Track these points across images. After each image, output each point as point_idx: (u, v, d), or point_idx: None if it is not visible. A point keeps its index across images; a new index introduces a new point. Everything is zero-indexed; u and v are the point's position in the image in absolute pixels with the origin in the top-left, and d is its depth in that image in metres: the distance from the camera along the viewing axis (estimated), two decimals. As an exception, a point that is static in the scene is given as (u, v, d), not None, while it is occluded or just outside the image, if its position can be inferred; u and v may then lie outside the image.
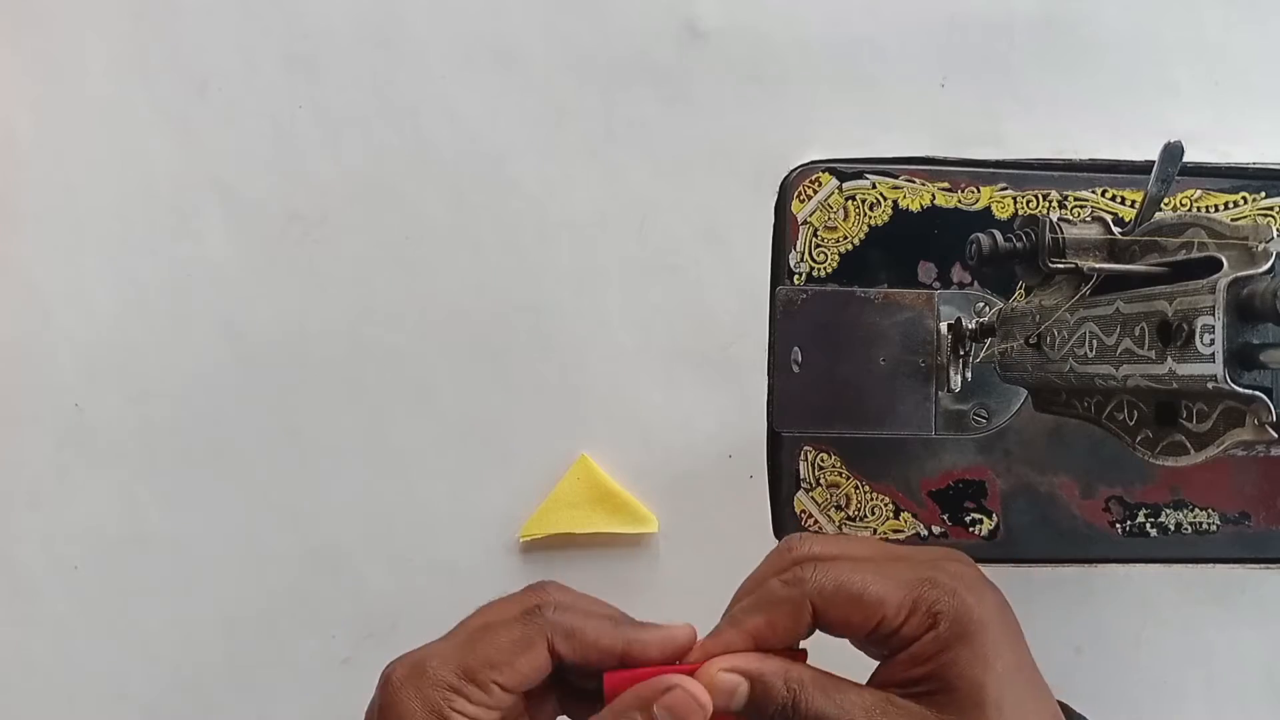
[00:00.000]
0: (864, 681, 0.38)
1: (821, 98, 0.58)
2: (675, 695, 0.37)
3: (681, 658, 0.39)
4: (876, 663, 0.38)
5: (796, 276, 0.57)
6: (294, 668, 0.56)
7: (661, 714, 0.37)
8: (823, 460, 0.57)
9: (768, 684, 0.37)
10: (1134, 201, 0.58)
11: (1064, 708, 0.40)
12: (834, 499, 0.57)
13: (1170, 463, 0.40)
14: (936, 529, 0.57)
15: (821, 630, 0.38)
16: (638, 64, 0.57)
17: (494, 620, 0.37)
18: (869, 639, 0.38)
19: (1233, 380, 0.35)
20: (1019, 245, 0.45)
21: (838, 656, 0.38)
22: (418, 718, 0.35)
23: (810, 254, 0.57)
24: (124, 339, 0.56)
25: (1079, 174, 0.58)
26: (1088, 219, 0.45)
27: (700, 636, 0.39)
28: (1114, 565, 0.58)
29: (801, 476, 0.57)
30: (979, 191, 0.57)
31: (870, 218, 0.57)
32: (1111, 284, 0.42)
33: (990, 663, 0.36)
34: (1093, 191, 0.58)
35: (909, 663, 0.37)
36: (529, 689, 0.37)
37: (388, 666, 0.37)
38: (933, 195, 0.57)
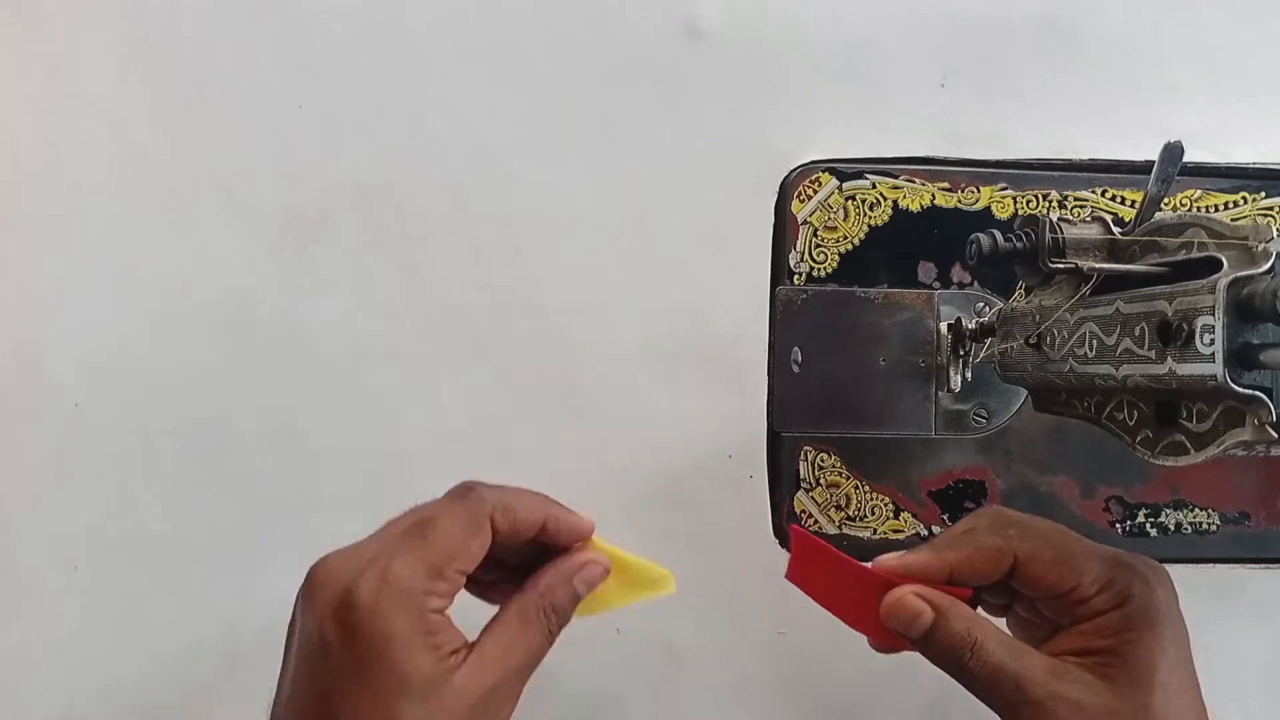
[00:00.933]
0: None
1: (821, 98, 0.58)
2: (589, 569, 0.40)
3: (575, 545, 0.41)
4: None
5: (796, 276, 0.57)
6: (294, 668, 0.56)
7: (580, 586, 0.40)
8: (823, 460, 0.57)
9: (950, 621, 0.39)
10: (1134, 201, 0.58)
11: None
12: (834, 499, 0.57)
13: (1170, 463, 0.40)
14: (936, 529, 0.57)
15: (1013, 583, 0.41)
16: (638, 64, 0.57)
17: (433, 514, 0.38)
18: (1055, 601, 0.40)
19: (1233, 380, 0.35)
20: (1019, 245, 0.45)
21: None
22: (404, 628, 0.35)
23: (810, 254, 0.57)
24: (124, 339, 0.56)
25: (1079, 174, 0.58)
26: (1088, 219, 0.45)
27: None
28: (1114, 565, 0.58)
29: (801, 476, 0.57)
30: (979, 191, 0.57)
31: (870, 218, 0.57)
32: (1111, 284, 0.42)
33: (1166, 649, 0.39)
34: (1093, 191, 0.58)
35: (1093, 633, 0.39)
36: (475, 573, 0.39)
37: (323, 588, 0.36)
38: (933, 195, 0.57)
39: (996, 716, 0.39)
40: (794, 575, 0.42)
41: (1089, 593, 0.39)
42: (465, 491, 0.38)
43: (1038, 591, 0.40)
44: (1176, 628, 0.40)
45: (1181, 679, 0.39)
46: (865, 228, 0.57)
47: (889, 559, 0.41)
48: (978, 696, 0.39)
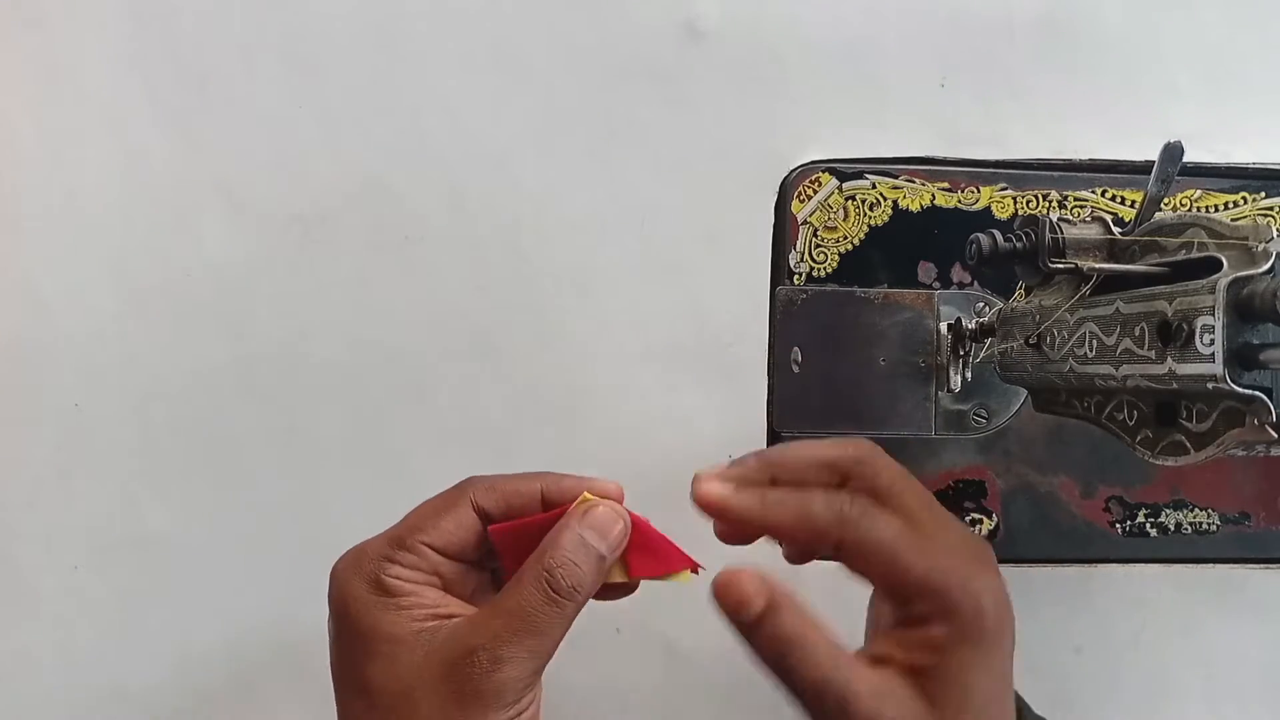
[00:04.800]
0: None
1: (821, 98, 0.58)
2: (596, 511, 0.39)
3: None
4: None
5: (796, 276, 0.57)
6: (294, 668, 0.56)
7: (587, 533, 0.39)
8: (823, 460, 0.57)
9: (781, 618, 0.37)
10: (1134, 201, 0.58)
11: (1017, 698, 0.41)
12: (834, 499, 0.57)
13: (1170, 463, 0.40)
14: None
15: (837, 559, 0.38)
16: (638, 64, 0.57)
17: (422, 502, 0.41)
18: (880, 591, 0.39)
19: (1233, 380, 0.35)
20: (1019, 245, 0.45)
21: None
22: (361, 591, 0.38)
23: (810, 254, 0.57)
24: (124, 339, 0.56)
25: (1079, 174, 0.58)
26: (1088, 219, 0.45)
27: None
28: (1114, 565, 0.58)
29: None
30: (979, 191, 0.57)
31: (870, 218, 0.57)
32: (1111, 284, 0.43)
33: (990, 670, 0.37)
34: (1093, 191, 0.58)
35: (918, 647, 0.37)
36: (464, 553, 0.40)
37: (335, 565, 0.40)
38: (933, 195, 0.57)
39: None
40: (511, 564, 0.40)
41: (914, 596, 0.37)
42: (459, 483, 0.41)
43: (862, 575, 0.38)
44: (1006, 650, 0.38)
45: (1001, 706, 0.38)
46: (865, 228, 0.57)
47: (710, 474, 0.40)
48: (793, 699, 0.37)
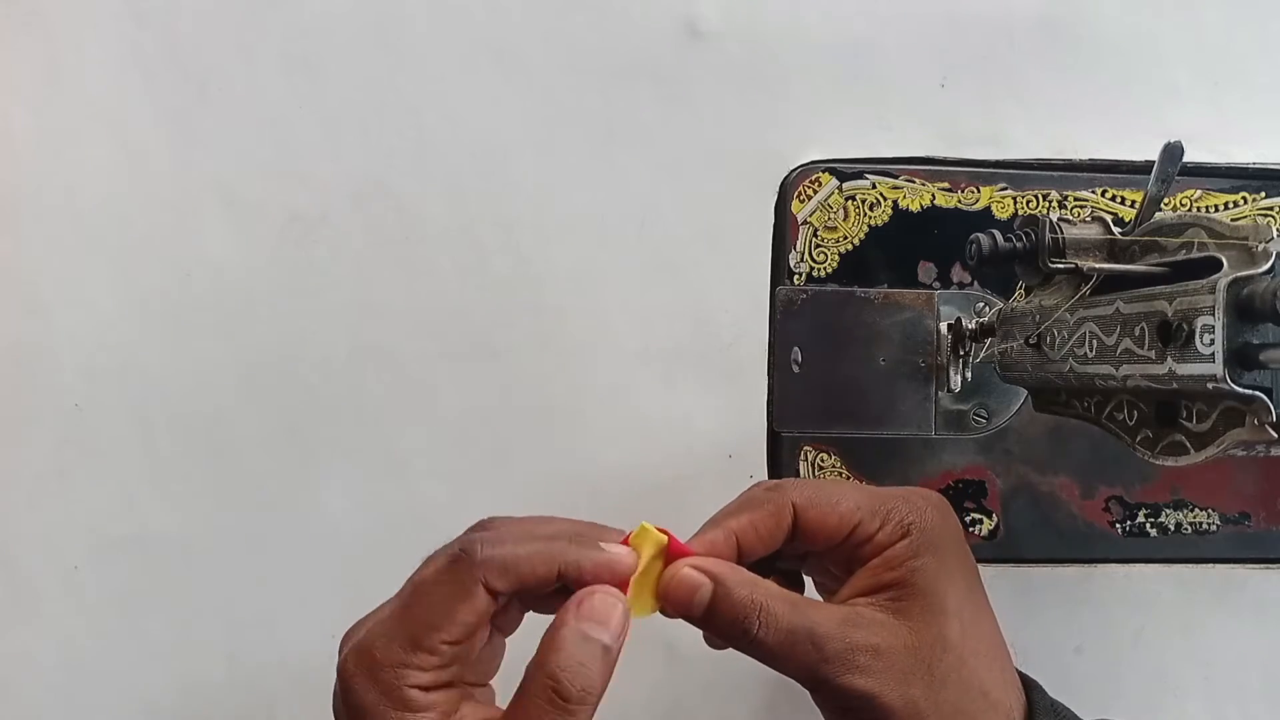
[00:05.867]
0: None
1: (821, 98, 0.58)
2: (593, 600, 0.36)
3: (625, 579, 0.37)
4: None
5: (796, 276, 0.57)
6: (294, 668, 0.56)
7: (586, 625, 0.36)
8: (823, 460, 0.57)
9: (731, 590, 0.37)
10: (1134, 201, 0.58)
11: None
12: (834, 499, 0.57)
13: (1170, 463, 0.40)
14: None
15: (801, 541, 0.39)
16: (638, 64, 0.57)
17: (425, 577, 0.36)
18: (842, 549, 0.39)
19: (1233, 380, 0.35)
20: (1019, 245, 0.45)
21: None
22: (378, 704, 0.35)
23: (810, 254, 0.57)
24: (124, 339, 0.56)
25: (1079, 174, 0.58)
26: (1088, 219, 0.45)
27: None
28: (1114, 565, 0.58)
29: (801, 476, 0.57)
30: (979, 191, 0.57)
31: (870, 218, 0.57)
32: (1111, 284, 0.43)
33: (953, 576, 0.38)
34: (1093, 191, 0.58)
35: (882, 567, 0.38)
36: (478, 638, 0.37)
37: (341, 654, 0.36)
38: (933, 195, 0.57)
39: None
40: None
41: (871, 529, 0.38)
42: (458, 555, 0.36)
43: (823, 541, 0.39)
44: (962, 556, 0.39)
45: (975, 608, 0.39)
46: (865, 228, 0.57)
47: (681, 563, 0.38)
48: (775, 668, 0.37)
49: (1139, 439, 0.42)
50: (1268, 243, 0.36)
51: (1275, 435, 0.35)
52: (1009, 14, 0.58)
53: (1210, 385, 0.36)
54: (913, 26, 0.58)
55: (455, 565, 0.36)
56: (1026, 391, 0.54)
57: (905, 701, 0.36)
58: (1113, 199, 0.58)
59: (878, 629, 0.37)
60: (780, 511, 0.39)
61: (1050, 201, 0.58)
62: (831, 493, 0.39)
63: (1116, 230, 0.45)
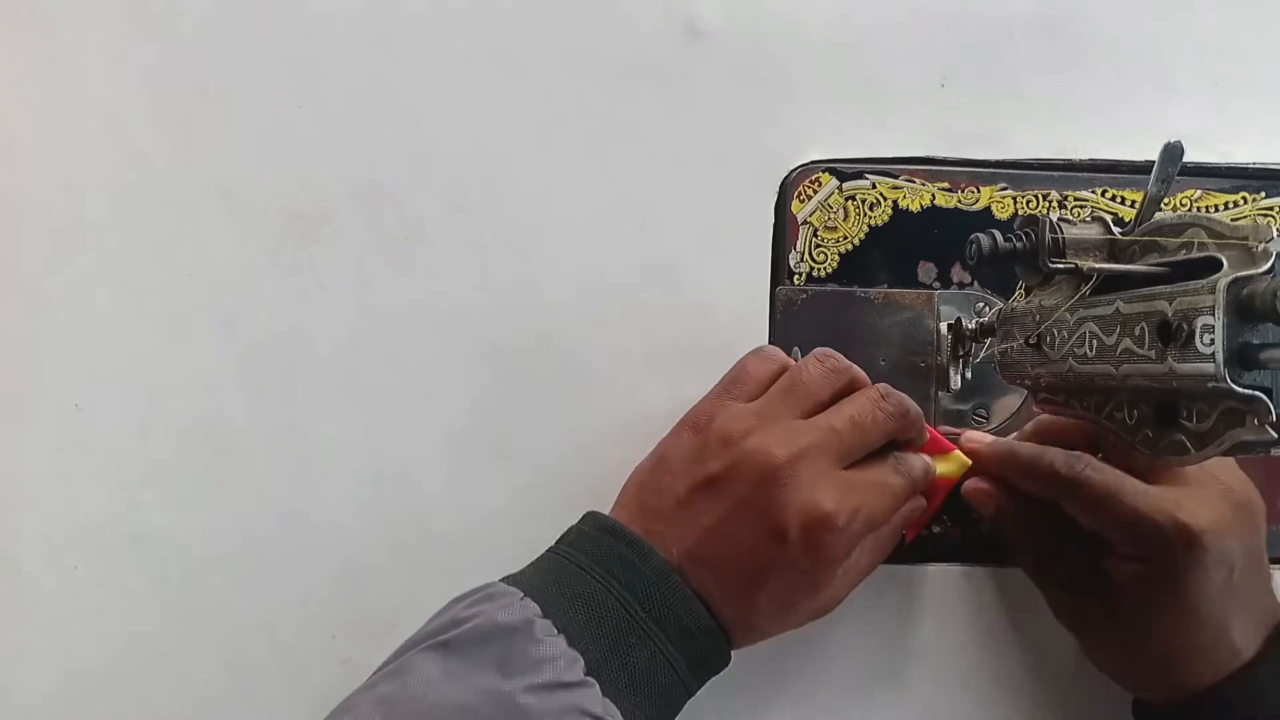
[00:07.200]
0: None
1: (821, 98, 0.58)
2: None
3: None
4: None
5: (796, 276, 0.57)
6: (294, 668, 0.56)
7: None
8: (823, 460, 0.57)
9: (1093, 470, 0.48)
10: (1134, 201, 0.58)
11: None
12: (834, 499, 0.57)
13: (1170, 463, 0.40)
14: (936, 529, 0.57)
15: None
16: (638, 64, 0.57)
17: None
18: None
19: (1233, 380, 0.35)
20: (1019, 245, 0.45)
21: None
22: None
23: (810, 254, 0.57)
24: (124, 339, 0.56)
25: (1079, 174, 0.58)
26: (1088, 219, 0.45)
27: None
28: (1114, 565, 0.58)
29: (801, 476, 0.57)
30: (979, 191, 0.58)
31: (870, 218, 0.57)
32: (1111, 284, 0.43)
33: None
34: (1093, 191, 0.58)
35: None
36: None
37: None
38: (933, 195, 0.57)
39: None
40: None
41: (1129, 551, 0.48)
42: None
43: (1085, 517, 0.49)
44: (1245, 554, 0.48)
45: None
46: (865, 228, 0.57)
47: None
48: (1092, 508, 0.48)
49: (1139, 439, 0.42)
50: (1268, 243, 0.36)
51: (1275, 435, 0.35)
52: (1009, 14, 0.58)
53: (1210, 385, 0.36)
54: (912, 26, 0.58)
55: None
56: (1026, 391, 0.54)
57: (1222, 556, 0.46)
58: (1113, 199, 0.58)
59: (1206, 508, 0.47)
60: (1056, 488, 0.49)
61: (1050, 201, 0.58)
62: (1121, 500, 0.47)
63: (1116, 230, 0.45)
